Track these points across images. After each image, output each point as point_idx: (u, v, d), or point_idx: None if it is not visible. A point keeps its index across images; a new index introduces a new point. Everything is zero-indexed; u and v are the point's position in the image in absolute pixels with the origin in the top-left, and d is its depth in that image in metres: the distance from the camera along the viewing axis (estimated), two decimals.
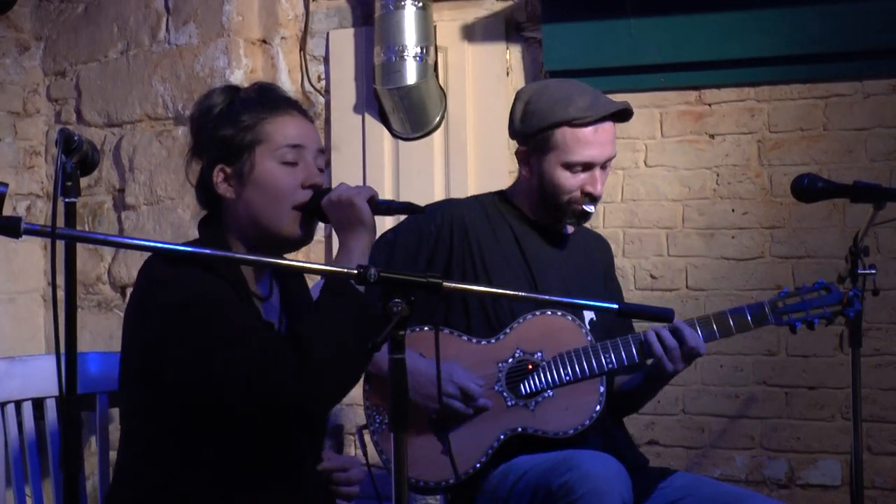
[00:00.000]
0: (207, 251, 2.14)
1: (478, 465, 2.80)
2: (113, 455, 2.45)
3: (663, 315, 2.23)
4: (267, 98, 2.36)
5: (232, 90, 2.39)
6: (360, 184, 3.83)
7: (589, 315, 2.97)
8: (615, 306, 2.15)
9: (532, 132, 2.94)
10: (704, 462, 3.98)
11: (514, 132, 3.02)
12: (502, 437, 2.81)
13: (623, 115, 2.96)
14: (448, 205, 3.09)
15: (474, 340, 2.88)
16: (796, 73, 3.87)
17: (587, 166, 2.91)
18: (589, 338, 2.86)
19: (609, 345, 2.85)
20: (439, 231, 2.95)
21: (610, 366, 2.83)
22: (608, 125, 2.93)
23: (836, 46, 3.79)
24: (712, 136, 3.99)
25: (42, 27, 4.78)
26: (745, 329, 2.91)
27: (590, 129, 2.89)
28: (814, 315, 2.89)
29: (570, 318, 2.88)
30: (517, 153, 3.03)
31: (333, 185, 2.34)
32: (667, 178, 4.02)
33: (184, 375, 2.18)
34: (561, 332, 2.87)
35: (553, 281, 2.95)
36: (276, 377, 2.12)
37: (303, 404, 2.17)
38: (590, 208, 2.94)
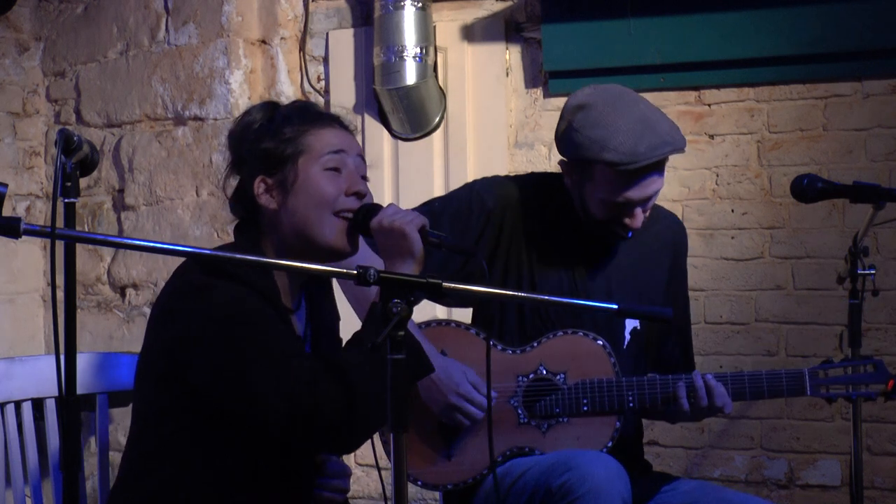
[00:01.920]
0: (207, 252, 2.13)
1: (478, 477, 2.78)
2: (113, 455, 2.45)
3: (661, 316, 2.22)
4: (308, 113, 2.37)
5: (271, 106, 2.39)
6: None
7: (632, 323, 2.88)
8: (614, 306, 2.15)
9: (571, 158, 2.77)
10: (704, 462, 3.98)
11: (557, 144, 2.84)
12: (507, 452, 2.77)
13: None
14: (500, 185, 2.89)
15: (500, 347, 2.80)
16: (796, 73, 3.87)
17: (626, 205, 2.74)
18: (616, 369, 2.78)
19: (635, 382, 2.76)
20: (491, 213, 2.81)
21: (630, 405, 2.76)
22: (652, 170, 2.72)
23: (836, 46, 3.79)
24: (712, 137, 3.99)
25: (42, 27, 4.78)
26: (779, 395, 2.81)
27: (629, 176, 2.69)
28: (855, 391, 2.78)
29: (600, 342, 2.78)
30: (560, 162, 2.84)
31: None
32: (666, 179, 4.00)
33: (218, 386, 2.18)
34: (588, 357, 2.78)
35: (597, 290, 2.84)
36: (322, 411, 2.12)
37: (344, 440, 2.19)
38: (627, 234, 2.80)
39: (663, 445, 4.02)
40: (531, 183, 2.92)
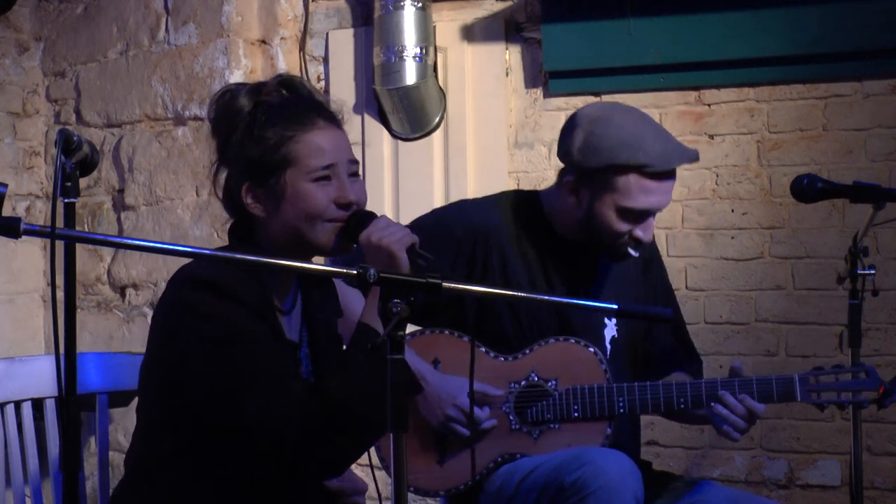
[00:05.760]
0: (207, 252, 2.11)
1: (469, 483, 2.78)
2: (113, 455, 2.45)
3: (661, 316, 2.22)
4: (292, 109, 2.27)
5: (254, 92, 2.29)
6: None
7: (610, 333, 2.87)
8: (614, 306, 2.15)
9: (592, 168, 2.70)
10: (704, 462, 3.98)
11: (567, 160, 2.76)
12: (499, 458, 2.77)
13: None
14: (468, 212, 2.87)
15: (492, 354, 2.79)
16: (796, 73, 3.87)
17: (644, 214, 2.73)
18: (607, 376, 2.76)
19: (625, 388, 2.74)
20: (461, 242, 2.78)
21: (621, 411, 2.74)
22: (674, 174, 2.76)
23: (836, 46, 3.79)
24: (712, 137, 3.99)
25: (42, 27, 4.78)
26: (769, 400, 2.77)
27: (655, 180, 2.71)
28: (846, 398, 2.74)
29: (591, 349, 2.77)
30: (565, 182, 2.76)
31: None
32: None
33: (212, 406, 2.18)
34: (580, 363, 2.76)
35: (580, 311, 2.82)
36: (310, 440, 2.12)
37: (334, 464, 2.22)
38: (634, 253, 2.78)
39: (663, 445, 4.02)
40: (499, 205, 2.88)
